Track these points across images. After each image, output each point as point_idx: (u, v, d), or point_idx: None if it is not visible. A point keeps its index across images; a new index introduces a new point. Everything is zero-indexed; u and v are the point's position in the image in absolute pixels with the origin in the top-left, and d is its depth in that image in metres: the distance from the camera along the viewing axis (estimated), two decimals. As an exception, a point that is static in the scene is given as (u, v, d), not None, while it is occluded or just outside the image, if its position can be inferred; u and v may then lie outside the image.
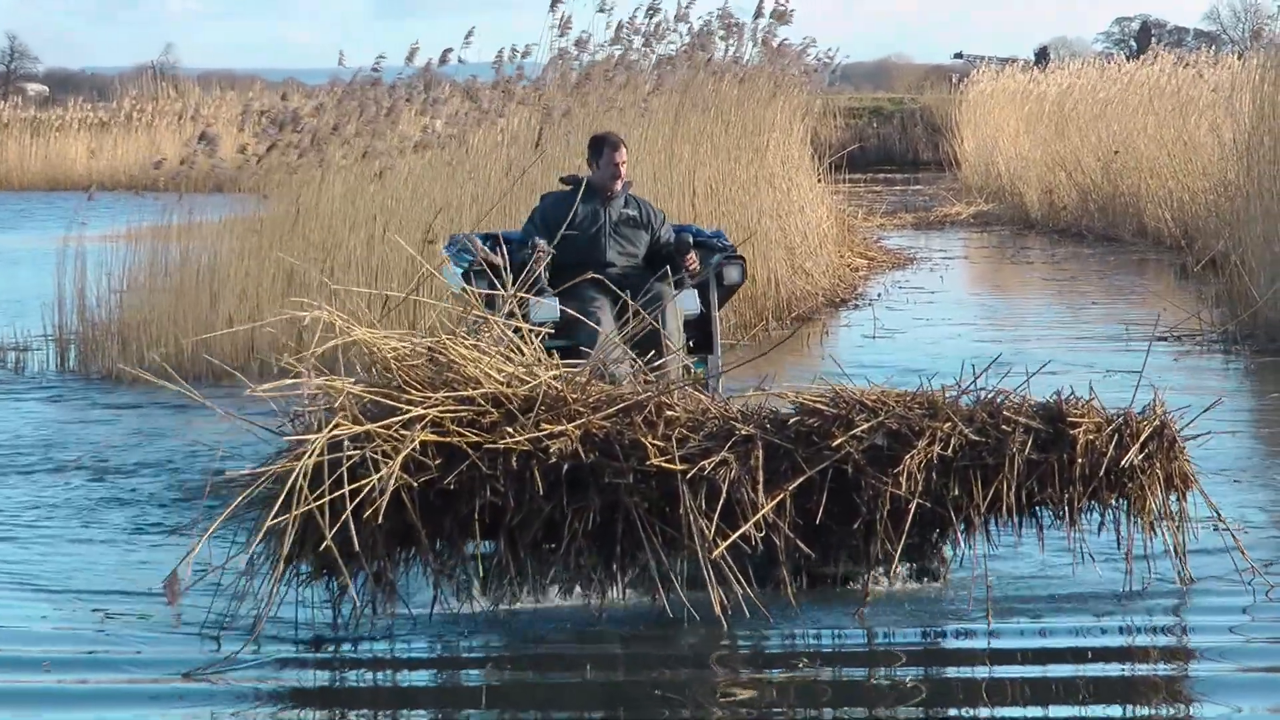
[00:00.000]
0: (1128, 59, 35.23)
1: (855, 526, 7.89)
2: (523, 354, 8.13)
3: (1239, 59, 25.87)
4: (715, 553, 7.61)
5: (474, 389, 7.86)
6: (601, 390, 8.03)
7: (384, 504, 7.49)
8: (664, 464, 7.71)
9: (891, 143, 46.31)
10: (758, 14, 19.20)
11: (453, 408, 7.78)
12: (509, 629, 7.98)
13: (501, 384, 7.90)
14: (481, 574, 7.97)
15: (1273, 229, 17.03)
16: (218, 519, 7.57)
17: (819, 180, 23.09)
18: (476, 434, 7.75)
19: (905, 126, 46.52)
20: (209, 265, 16.18)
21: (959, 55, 53.22)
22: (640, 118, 17.72)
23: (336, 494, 7.51)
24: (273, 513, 7.50)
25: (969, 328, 18.44)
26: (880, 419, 7.80)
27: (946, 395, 7.99)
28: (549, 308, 9.74)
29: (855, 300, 21.09)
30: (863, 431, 7.77)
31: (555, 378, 7.97)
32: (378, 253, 16.02)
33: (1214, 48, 36.68)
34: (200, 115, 39.70)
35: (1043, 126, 31.30)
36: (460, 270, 10.36)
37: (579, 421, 7.76)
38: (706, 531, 7.63)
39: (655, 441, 7.75)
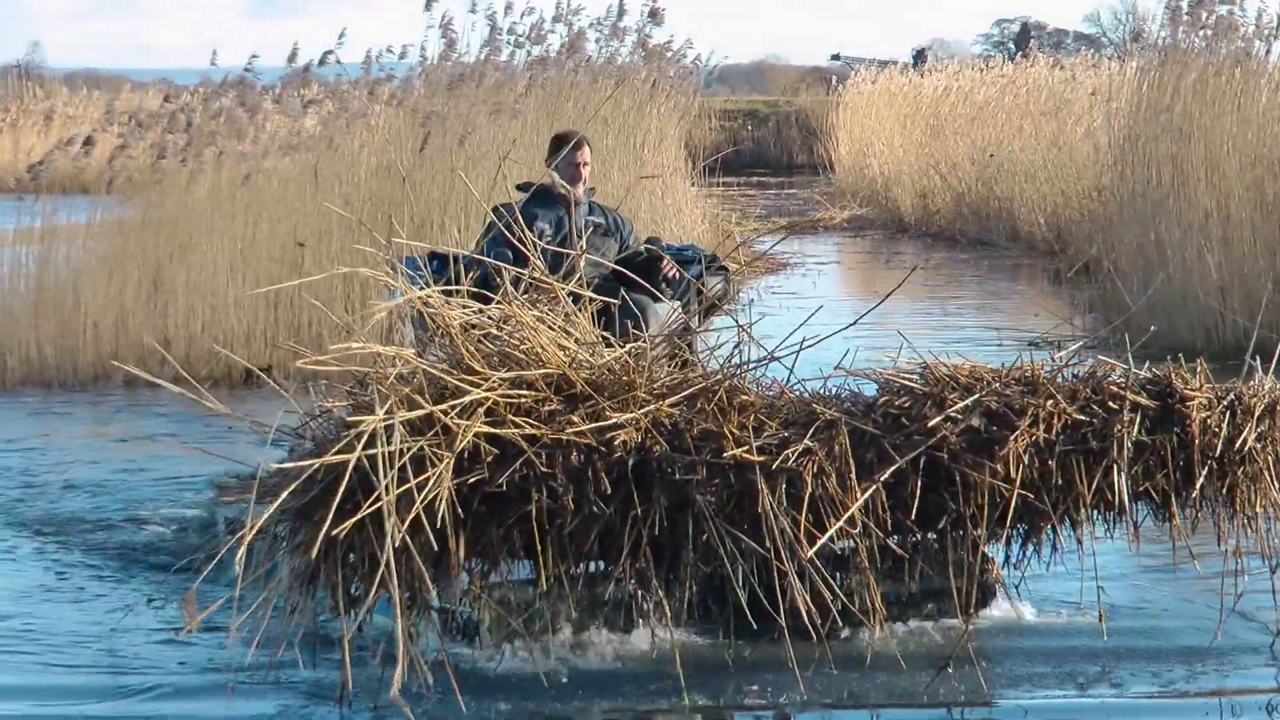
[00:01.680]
0: (1007, 61, 35.57)
1: (941, 526, 7.07)
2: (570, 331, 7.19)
3: (1119, 62, 26.14)
4: (809, 552, 6.67)
5: (535, 368, 6.87)
6: (666, 373, 7.18)
7: (441, 509, 6.45)
8: (743, 455, 6.77)
9: (766, 146, 46.36)
10: (622, 11, 19.27)
11: (511, 392, 6.78)
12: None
13: (565, 364, 6.92)
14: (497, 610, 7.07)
15: (1145, 234, 17.13)
16: (250, 527, 6.38)
17: (693, 184, 23.19)
18: (535, 424, 6.75)
19: (780, 129, 46.62)
20: (72, 269, 15.91)
21: (836, 57, 53.35)
22: (513, 120, 17.70)
23: (367, 508, 6.40)
24: (327, 518, 6.33)
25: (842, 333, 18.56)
26: (977, 397, 6.94)
27: (1044, 369, 7.16)
28: None
29: (726, 306, 21.07)
30: (958, 411, 6.90)
31: (620, 358, 7.04)
32: (244, 255, 15.96)
33: (1094, 51, 37.03)
34: (66, 115, 39.32)
35: (918, 129, 31.45)
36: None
37: (647, 409, 6.84)
38: (791, 531, 6.73)
39: (732, 430, 6.85)
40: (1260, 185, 16.61)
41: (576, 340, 7.08)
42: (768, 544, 6.69)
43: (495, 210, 9.36)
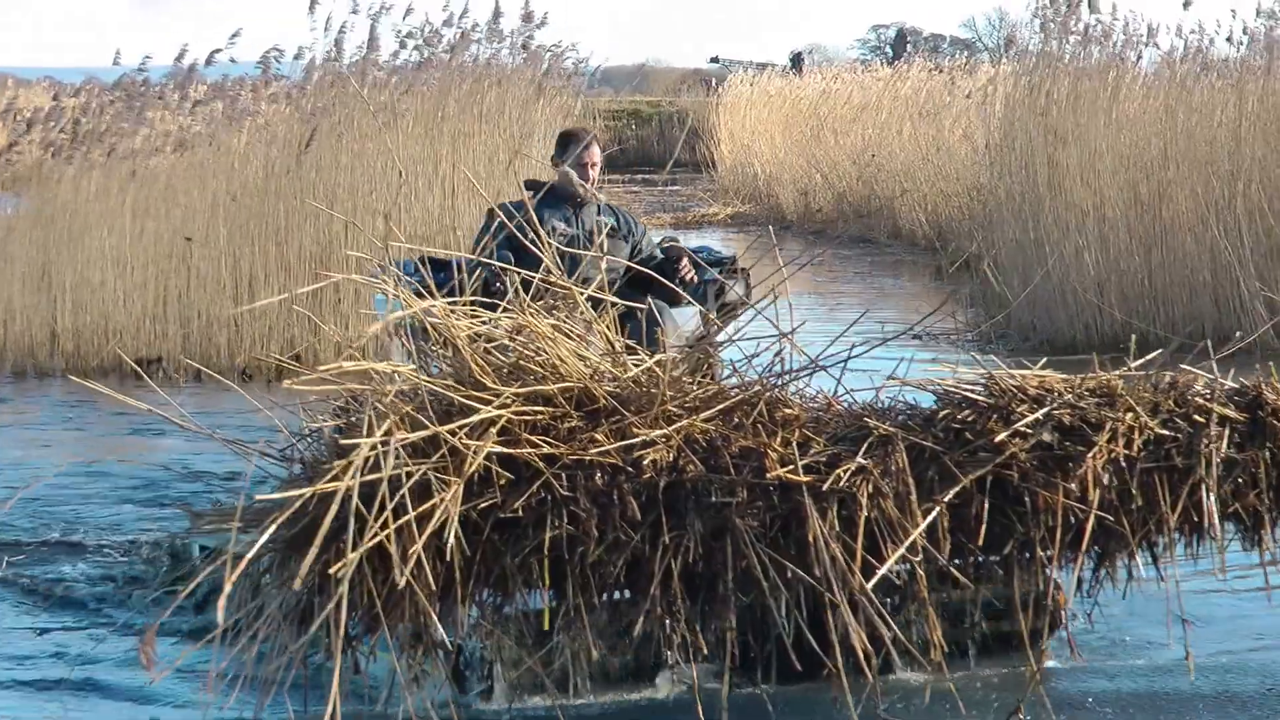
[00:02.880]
0: (884, 65, 35.97)
1: (1007, 552, 6.24)
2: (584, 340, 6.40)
3: (994, 66, 26.58)
4: (870, 582, 5.85)
5: (553, 382, 6.09)
6: (697, 386, 6.34)
7: (450, 539, 5.64)
8: (787, 475, 5.97)
9: (650, 144, 46.51)
10: (497, 13, 19.37)
11: (527, 409, 6.00)
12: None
13: (587, 376, 6.14)
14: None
15: (1024, 232, 17.37)
16: (230, 559, 5.46)
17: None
18: (553, 443, 5.96)
19: (664, 129, 46.88)
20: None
21: (715, 59, 53.65)
22: (398, 119, 17.77)
23: (367, 542, 5.58)
24: (312, 552, 5.50)
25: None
26: (1049, 409, 6.18)
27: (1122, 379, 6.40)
28: None
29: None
30: (1027, 426, 6.13)
31: (648, 370, 6.23)
32: (132, 249, 15.99)
33: (969, 55, 37.56)
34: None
35: (799, 130, 31.76)
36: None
37: (679, 425, 6.04)
38: (844, 559, 5.89)
39: (775, 447, 6.06)
40: (1134, 185, 17.00)
41: (601, 350, 6.31)
42: (817, 573, 5.89)
43: (502, 208, 8.42)
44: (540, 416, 6.00)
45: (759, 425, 6.16)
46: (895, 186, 26.66)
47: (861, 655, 5.81)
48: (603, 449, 5.94)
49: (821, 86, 32.70)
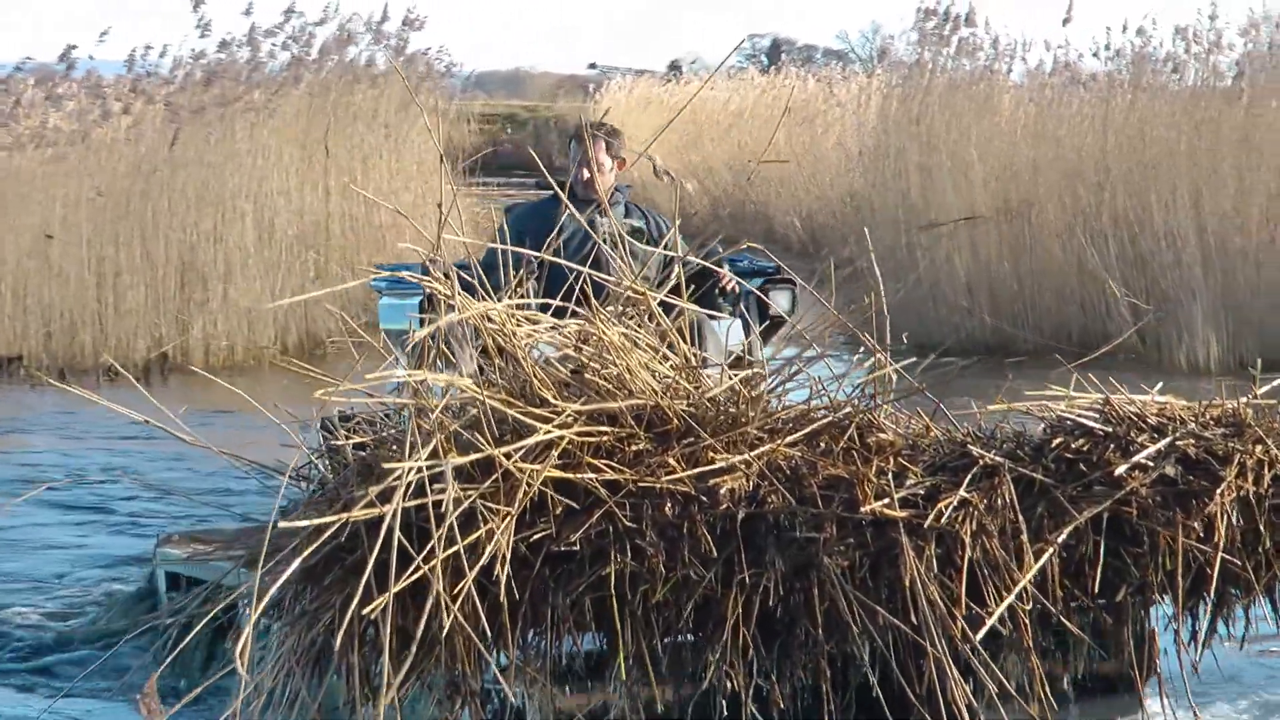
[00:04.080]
0: (760, 73, 36.07)
1: (1120, 597, 5.54)
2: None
3: (868, 77, 26.76)
4: (979, 634, 5.18)
5: (621, 398, 5.31)
6: (780, 405, 5.58)
7: (502, 576, 4.92)
8: (884, 509, 5.26)
9: (526, 149, 46.50)
10: (384, 18, 19.31)
11: (590, 428, 5.24)
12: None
13: (658, 393, 5.36)
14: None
15: (896, 237, 17.63)
16: (259, 594, 4.77)
17: (452, 186, 23.24)
18: (617, 468, 5.21)
19: (540, 133, 46.87)
20: None
21: (593, 65, 53.69)
22: (270, 117, 17.65)
23: (408, 575, 4.85)
24: (359, 587, 4.76)
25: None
26: (1171, 440, 5.49)
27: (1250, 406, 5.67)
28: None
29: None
30: (1149, 458, 5.44)
31: (729, 388, 5.46)
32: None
33: (843, 65, 37.77)
34: None
35: (675, 136, 31.89)
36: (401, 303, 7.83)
37: (761, 450, 5.32)
38: (944, 604, 5.20)
39: (869, 476, 5.33)
40: (1005, 192, 17.22)
41: (671, 364, 5.52)
42: (913, 619, 5.20)
43: (507, 210, 8.00)
44: (604, 438, 5.22)
45: (850, 452, 5.43)
46: (771, 192, 26.78)
47: (965, 711, 5.15)
48: (674, 475, 5.19)
49: (700, 93, 32.80)
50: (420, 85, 19.97)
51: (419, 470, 4.86)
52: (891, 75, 19.63)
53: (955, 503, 5.31)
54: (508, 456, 5.02)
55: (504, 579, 4.90)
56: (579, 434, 5.18)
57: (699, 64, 46.67)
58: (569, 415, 5.19)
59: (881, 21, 50.09)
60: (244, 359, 15.70)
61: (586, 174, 8.00)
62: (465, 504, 4.91)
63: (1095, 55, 17.33)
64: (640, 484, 5.19)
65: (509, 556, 4.94)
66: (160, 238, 15.88)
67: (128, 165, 16.22)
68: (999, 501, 5.36)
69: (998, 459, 5.44)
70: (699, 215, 29.53)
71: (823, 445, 5.45)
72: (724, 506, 5.23)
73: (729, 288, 7.68)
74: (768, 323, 8.11)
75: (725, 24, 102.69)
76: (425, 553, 4.84)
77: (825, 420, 5.48)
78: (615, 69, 44.23)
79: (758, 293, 7.81)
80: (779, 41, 53.14)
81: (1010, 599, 5.21)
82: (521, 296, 6.49)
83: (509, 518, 4.95)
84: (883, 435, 5.51)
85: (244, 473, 5.49)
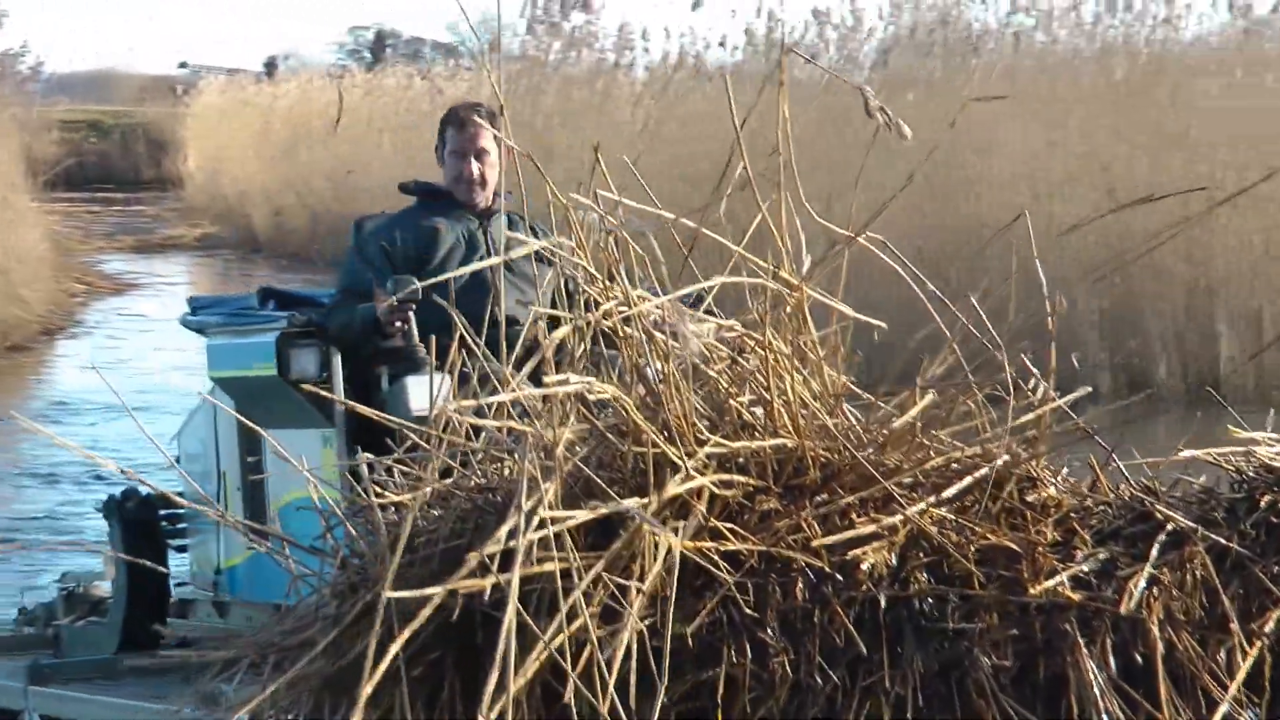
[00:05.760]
0: (364, 70, 35.08)
1: None
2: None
3: (476, 74, 26.03)
4: None
5: (765, 435, 4.01)
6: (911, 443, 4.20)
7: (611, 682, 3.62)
8: (1064, 592, 4.01)
9: (112, 160, 44.32)
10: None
11: (724, 478, 3.96)
12: None
13: (814, 432, 4.07)
14: None
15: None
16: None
17: (34, 200, 22.23)
18: (743, 534, 3.93)
19: (127, 142, 45.01)
20: None
21: (184, 65, 52.26)
22: None
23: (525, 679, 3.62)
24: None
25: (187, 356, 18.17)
26: None
27: None
28: (438, 389, 5.34)
29: (73, 329, 20.60)
30: None
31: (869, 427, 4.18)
32: None
33: (454, 60, 36.81)
34: None
35: (271, 145, 30.71)
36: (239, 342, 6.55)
37: (911, 510, 4.00)
38: (1123, 713, 3.93)
39: (1043, 547, 4.09)
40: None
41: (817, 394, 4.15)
42: None
43: (360, 224, 6.42)
44: (732, 493, 3.95)
45: (1009, 513, 4.20)
46: (371, 207, 25.93)
47: None
48: (810, 543, 3.94)
49: (297, 95, 31.66)
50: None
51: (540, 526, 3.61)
52: (502, 71, 18.91)
53: (1142, 577, 4.07)
54: (650, 513, 3.74)
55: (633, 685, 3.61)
56: (715, 484, 3.89)
57: (294, 61, 45.24)
58: (701, 458, 3.86)
59: (494, 11, 49.37)
60: None
61: (475, 169, 6.24)
62: (590, 575, 3.67)
63: (721, 45, 16.76)
64: (780, 554, 3.92)
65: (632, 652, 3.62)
66: None
67: None
68: (1189, 579, 4.15)
69: (1187, 523, 4.18)
70: (298, 232, 28.52)
71: (972, 504, 4.19)
72: (864, 589, 3.96)
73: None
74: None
75: (326, 13, 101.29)
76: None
77: (981, 472, 4.13)
78: (208, 68, 42.85)
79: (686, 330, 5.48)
80: (384, 34, 52.03)
81: (1223, 708, 3.97)
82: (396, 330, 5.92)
83: (639, 597, 3.66)
84: (1048, 492, 4.24)
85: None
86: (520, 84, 18.02)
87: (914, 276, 4.08)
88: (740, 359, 4.07)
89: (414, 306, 5.87)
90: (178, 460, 6.89)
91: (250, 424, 5.28)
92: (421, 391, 5.73)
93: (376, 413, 4.38)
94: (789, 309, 4.04)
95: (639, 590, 3.65)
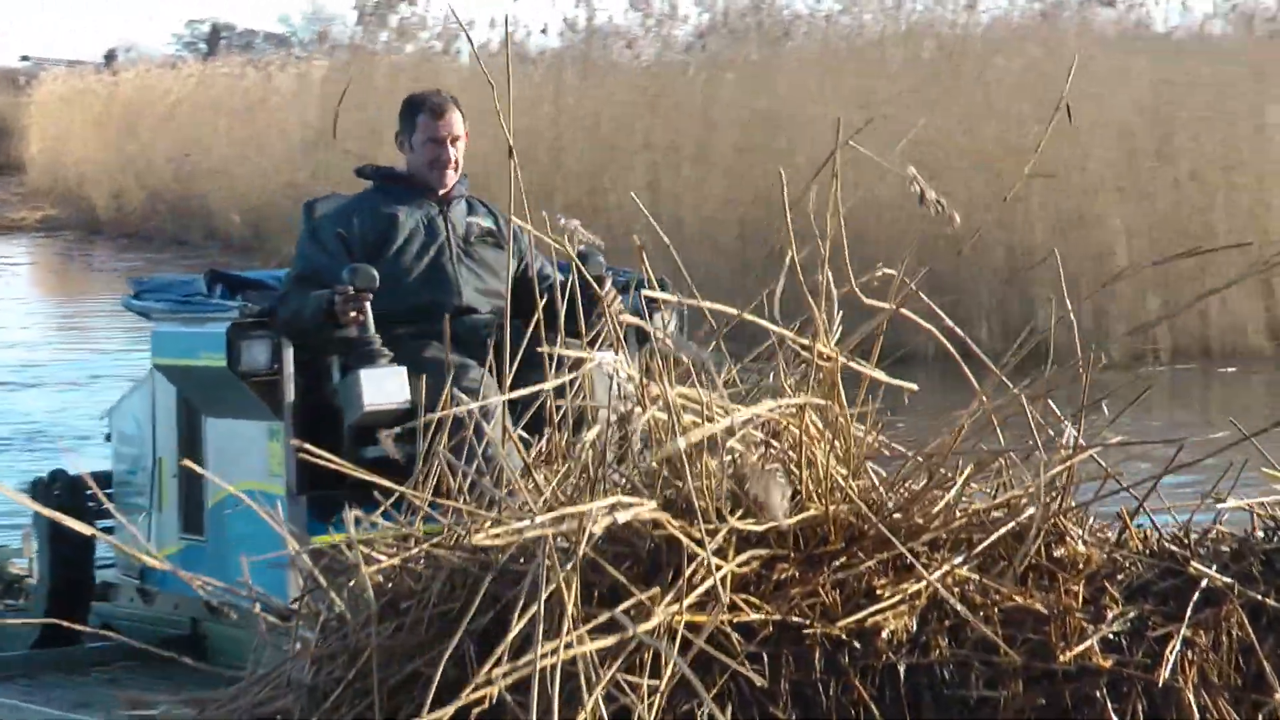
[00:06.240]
0: (199, 61, 35.32)
1: None
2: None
3: (309, 63, 26.39)
4: None
5: (790, 509, 3.66)
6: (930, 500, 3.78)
7: None
8: (1101, 661, 3.64)
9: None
10: None
11: (748, 555, 3.65)
12: None
13: (840, 500, 3.72)
14: None
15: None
16: None
17: None
18: (757, 602, 3.59)
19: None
20: None
21: (26, 58, 52.16)
22: None
23: None
24: None
25: (38, 336, 18.30)
26: None
27: None
28: (392, 382, 5.70)
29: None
30: None
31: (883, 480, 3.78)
32: None
33: (285, 50, 37.24)
34: None
35: (112, 129, 30.92)
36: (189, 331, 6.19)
37: (938, 574, 3.63)
38: None
39: (1075, 610, 3.71)
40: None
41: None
42: None
43: (311, 205, 6.19)
44: (750, 568, 3.64)
45: (1035, 572, 3.80)
46: (212, 185, 26.23)
47: None
48: (819, 607, 3.63)
49: (136, 83, 31.93)
50: None
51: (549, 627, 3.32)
52: (331, 60, 19.26)
53: (1176, 639, 3.70)
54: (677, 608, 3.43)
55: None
56: (739, 565, 3.58)
57: (134, 53, 45.32)
58: (723, 535, 3.53)
59: (323, 3, 49.59)
60: None
61: (451, 155, 6.11)
62: (606, 679, 3.37)
63: (544, 32, 17.24)
64: (801, 626, 3.60)
65: None
66: None
67: None
68: (1223, 639, 3.76)
69: (1223, 580, 3.78)
70: (137, 212, 28.73)
71: (995, 561, 3.81)
72: (883, 657, 3.63)
73: (614, 309, 4.65)
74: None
75: (163, 9, 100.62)
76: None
77: (1005, 527, 3.74)
78: (50, 60, 42.83)
79: (638, 321, 4.44)
80: (218, 27, 52.19)
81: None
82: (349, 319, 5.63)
83: (657, 699, 3.39)
84: (1077, 548, 3.86)
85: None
86: (348, 71, 18.40)
87: (946, 331, 3.87)
88: (773, 442, 3.78)
89: (370, 297, 5.69)
90: (108, 438, 6.85)
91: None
92: (375, 385, 5.61)
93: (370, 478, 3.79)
94: (822, 377, 3.76)
95: (650, 691, 3.41)
